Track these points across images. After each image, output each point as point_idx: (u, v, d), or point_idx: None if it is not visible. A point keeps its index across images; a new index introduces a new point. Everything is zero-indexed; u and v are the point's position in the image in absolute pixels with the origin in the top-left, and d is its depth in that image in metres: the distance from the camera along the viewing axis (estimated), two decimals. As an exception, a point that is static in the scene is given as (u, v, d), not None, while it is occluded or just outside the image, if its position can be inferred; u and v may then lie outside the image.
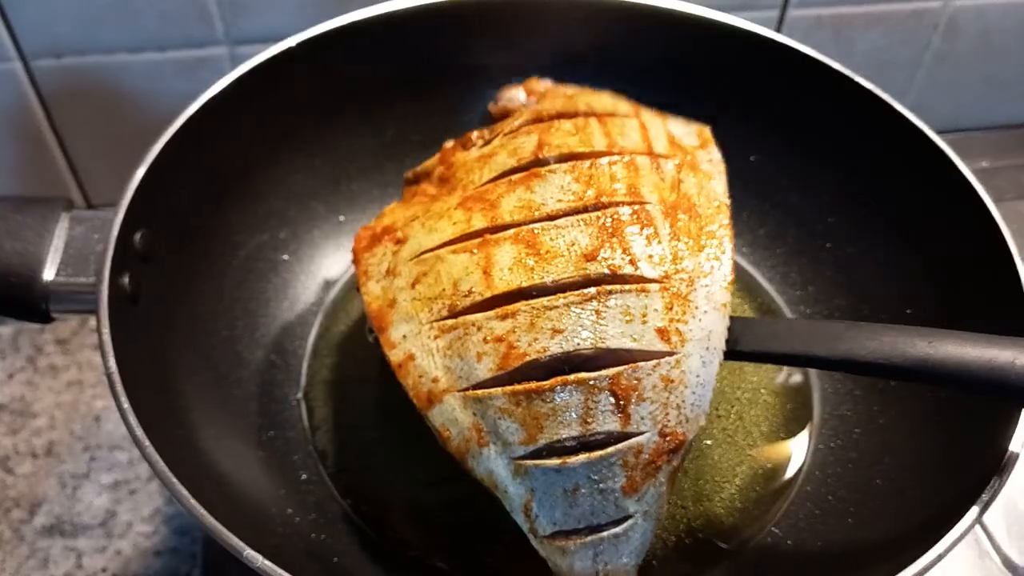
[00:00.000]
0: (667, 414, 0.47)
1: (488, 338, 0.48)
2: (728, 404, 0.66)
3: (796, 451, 0.65)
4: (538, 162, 0.54)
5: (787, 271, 0.73)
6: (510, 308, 0.48)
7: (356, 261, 0.56)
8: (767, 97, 0.71)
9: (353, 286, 0.72)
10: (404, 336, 0.51)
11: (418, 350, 0.50)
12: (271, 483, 0.59)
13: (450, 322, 0.49)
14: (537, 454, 0.47)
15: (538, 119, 0.57)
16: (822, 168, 0.71)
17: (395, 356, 0.51)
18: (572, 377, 0.47)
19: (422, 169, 0.60)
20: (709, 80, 0.71)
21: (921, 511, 0.54)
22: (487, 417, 0.48)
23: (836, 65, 0.67)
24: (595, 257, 0.49)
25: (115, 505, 0.70)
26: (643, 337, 0.48)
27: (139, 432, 0.46)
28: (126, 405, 0.47)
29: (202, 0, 0.75)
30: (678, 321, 0.48)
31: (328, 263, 0.73)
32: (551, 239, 0.50)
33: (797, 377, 0.68)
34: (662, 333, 0.48)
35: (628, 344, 0.47)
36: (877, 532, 0.56)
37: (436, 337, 0.49)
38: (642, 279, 0.49)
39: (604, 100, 0.60)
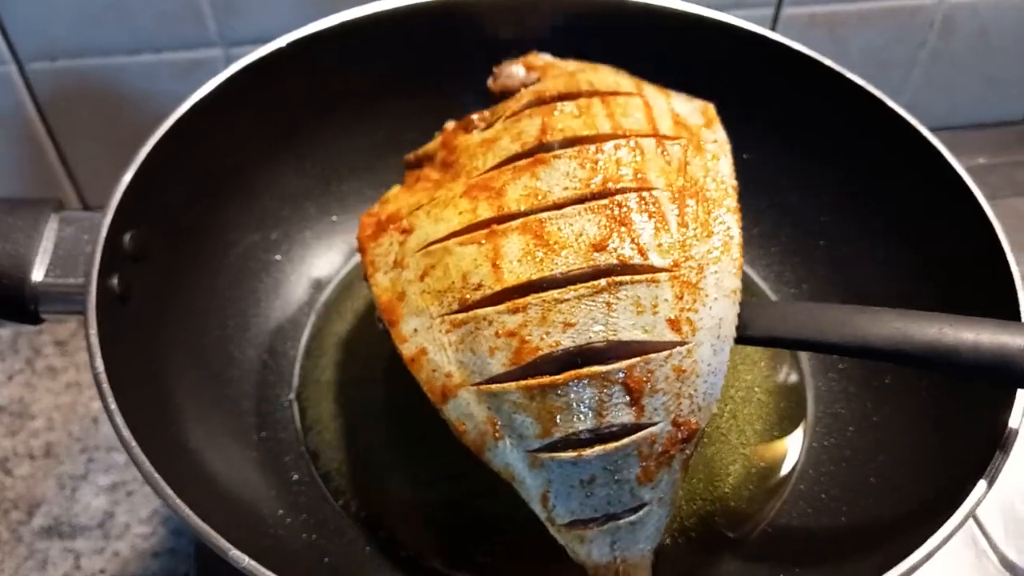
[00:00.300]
0: (680, 404, 0.47)
1: (500, 332, 0.48)
2: (722, 402, 0.66)
3: (790, 449, 0.64)
4: (542, 147, 0.53)
5: (781, 270, 0.73)
6: (520, 302, 0.48)
7: (362, 250, 0.55)
8: (760, 95, 0.71)
9: (345, 286, 0.72)
10: (415, 330, 0.50)
11: (430, 344, 0.49)
12: (262, 483, 0.59)
13: (461, 316, 0.49)
14: (552, 447, 0.47)
15: (540, 100, 0.56)
16: (817, 167, 0.71)
17: (407, 350, 0.50)
18: (585, 371, 0.46)
19: (423, 152, 0.59)
20: (703, 78, 0.71)
21: (916, 509, 0.54)
22: (502, 411, 0.47)
23: (830, 63, 0.66)
24: (604, 247, 0.48)
25: (113, 506, 0.70)
26: (655, 328, 0.47)
27: (126, 433, 0.47)
28: (113, 406, 0.47)
29: (196, 1, 0.75)
30: (689, 310, 0.48)
31: (320, 263, 0.73)
32: (559, 229, 0.49)
33: (791, 376, 0.68)
34: (673, 323, 0.48)
35: (640, 336, 0.47)
36: (871, 530, 0.56)
37: (448, 331, 0.49)
38: (652, 269, 0.48)
39: (606, 77, 0.58)
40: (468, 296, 0.49)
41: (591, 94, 0.56)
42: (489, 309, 0.48)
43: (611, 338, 0.47)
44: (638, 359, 0.47)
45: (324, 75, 0.68)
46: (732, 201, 0.52)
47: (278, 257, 0.71)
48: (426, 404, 0.50)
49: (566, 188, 0.51)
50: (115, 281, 0.54)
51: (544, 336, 0.47)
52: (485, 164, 0.54)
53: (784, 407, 0.66)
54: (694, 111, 0.58)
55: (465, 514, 0.60)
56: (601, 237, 0.49)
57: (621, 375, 0.46)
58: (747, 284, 0.72)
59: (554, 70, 0.60)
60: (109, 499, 0.71)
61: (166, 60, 0.79)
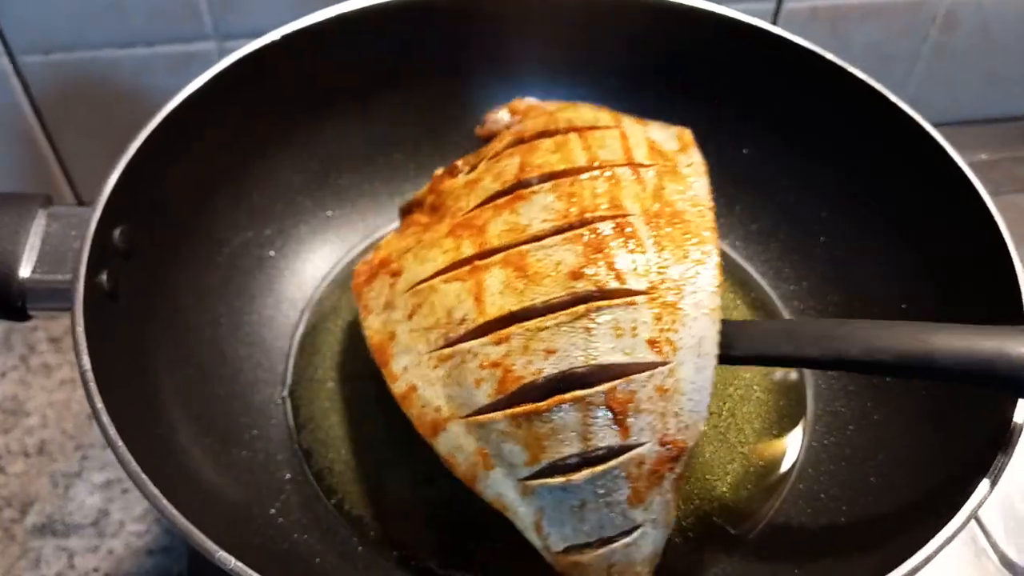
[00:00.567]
0: (666, 423, 0.48)
1: (484, 364, 0.49)
2: (720, 401, 0.66)
3: (789, 448, 0.64)
4: (521, 184, 0.54)
5: (780, 266, 0.73)
6: (503, 333, 0.49)
7: (357, 296, 0.57)
8: (760, 89, 0.71)
9: (340, 283, 0.71)
10: (405, 368, 0.52)
11: (419, 380, 0.51)
12: (254, 483, 0.59)
13: (447, 351, 0.50)
14: (541, 474, 0.48)
15: (520, 140, 0.58)
16: (818, 163, 0.70)
17: (398, 388, 0.52)
18: (568, 396, 0.47)
19: (414, 199, 0.62)
20: (703, 73, 0.71)
21: (916, 508, 0.53)
22: (490, 441, 0.48)
23: (832, 57, 0.66)
24: (581, 275, 0.49)
25: (107, 504, 0.70)
26: (634, 350, 0.48)
27: (112, 431, 0.46)
28: (99, 404, 0.47)
29: (193, -3, 0.75)
30: (668, 330, 0.49)
31: (315, 260, 0.72)
32: (538, 260, 0.50)
33: (791, 374, 0.68)
34: (653, 344, 0.48)
35: (620, 359, 0.48)
36: (871, 529, 0.56)
37: (435, 367, 0.51)
38: (629, 292, 0.49)
39: (584, 113, 0.60)
40: (452, 331, 0.51)
41: (568, 130, 0.57)
42: (473, 342, 0.50)
43: (592, 362, 0.48)
44: (619, 381, 0.47)
45: (318, 69, 0.68)
46: (708, 222, 0.53)
47: (272, 253, 0.70)
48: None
49: (544, 220, 0.52)
50: (104, 277, 0.53)
51: (527, 364, 0.48)
52: (468, 204, 0.56)
53: (783, 405, 0.66)
54: (670, 137, 0.59)
55: (462, 513, 0.60)
56: (578, 265, 0.50)
57: (603, 397, 0.47)
58: (745, 281, 0.73)
59: (535, 111, 0.62)
60: (103, 497, 0.71)
61: (160, 53, 0.78)
